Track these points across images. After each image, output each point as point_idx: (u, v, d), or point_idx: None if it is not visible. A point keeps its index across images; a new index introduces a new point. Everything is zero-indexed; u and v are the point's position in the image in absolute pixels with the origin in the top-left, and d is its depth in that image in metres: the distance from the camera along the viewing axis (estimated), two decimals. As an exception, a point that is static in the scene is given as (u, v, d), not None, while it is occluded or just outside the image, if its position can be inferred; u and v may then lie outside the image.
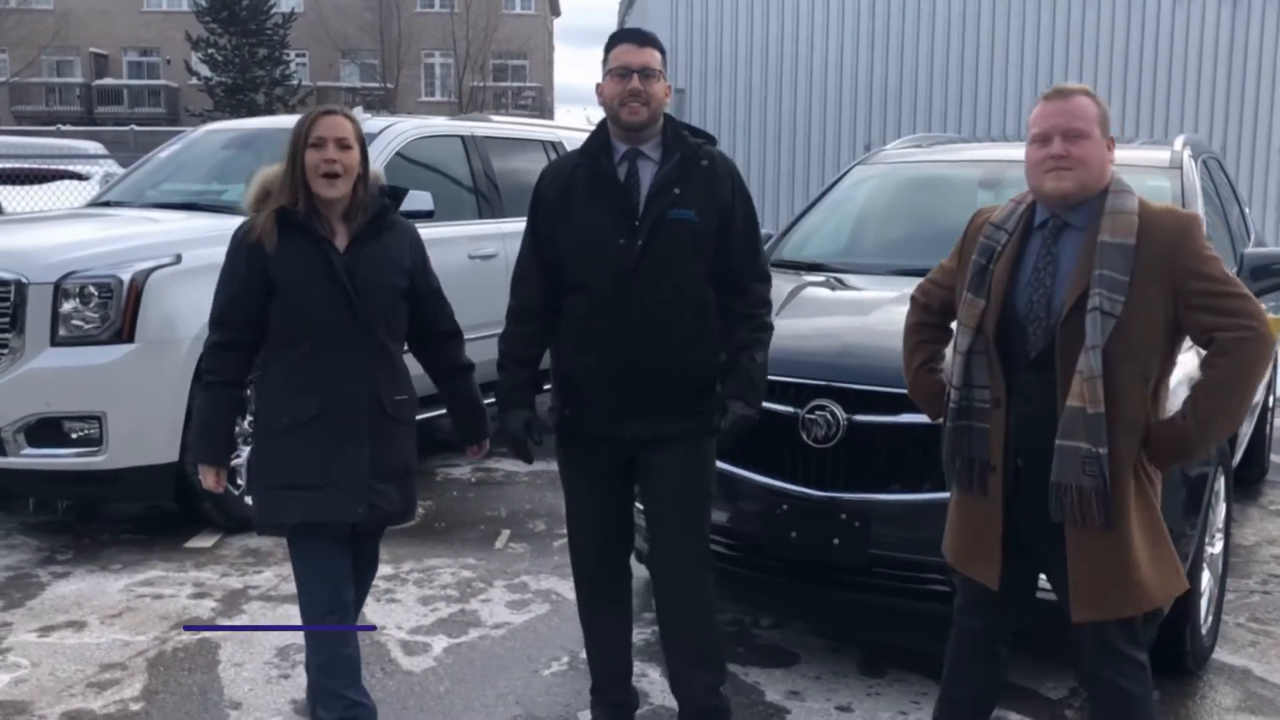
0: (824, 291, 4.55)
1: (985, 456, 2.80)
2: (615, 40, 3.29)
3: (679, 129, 3.30)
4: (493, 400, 3.43)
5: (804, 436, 3.69)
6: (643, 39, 3.27)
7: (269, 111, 35.44)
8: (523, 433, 3.36)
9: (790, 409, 3.70)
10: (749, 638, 4.32)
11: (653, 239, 3.16)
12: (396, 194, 3.39)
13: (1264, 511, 6.16)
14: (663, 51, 3.30)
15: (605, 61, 3.29)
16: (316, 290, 3.11)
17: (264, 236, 3.11)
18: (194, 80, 39.43)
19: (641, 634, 4.21)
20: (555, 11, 48.12)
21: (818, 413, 3.67)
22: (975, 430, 2.82)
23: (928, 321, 3.08)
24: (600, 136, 3.30)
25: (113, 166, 14.04)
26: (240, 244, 3.16)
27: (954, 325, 2.95)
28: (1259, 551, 5.44)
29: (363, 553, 3.40)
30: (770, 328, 3.36)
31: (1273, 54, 14.04)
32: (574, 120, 9.70)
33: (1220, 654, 4.17)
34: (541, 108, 42.02)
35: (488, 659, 4.10)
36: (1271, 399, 6.54)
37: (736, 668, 4.01)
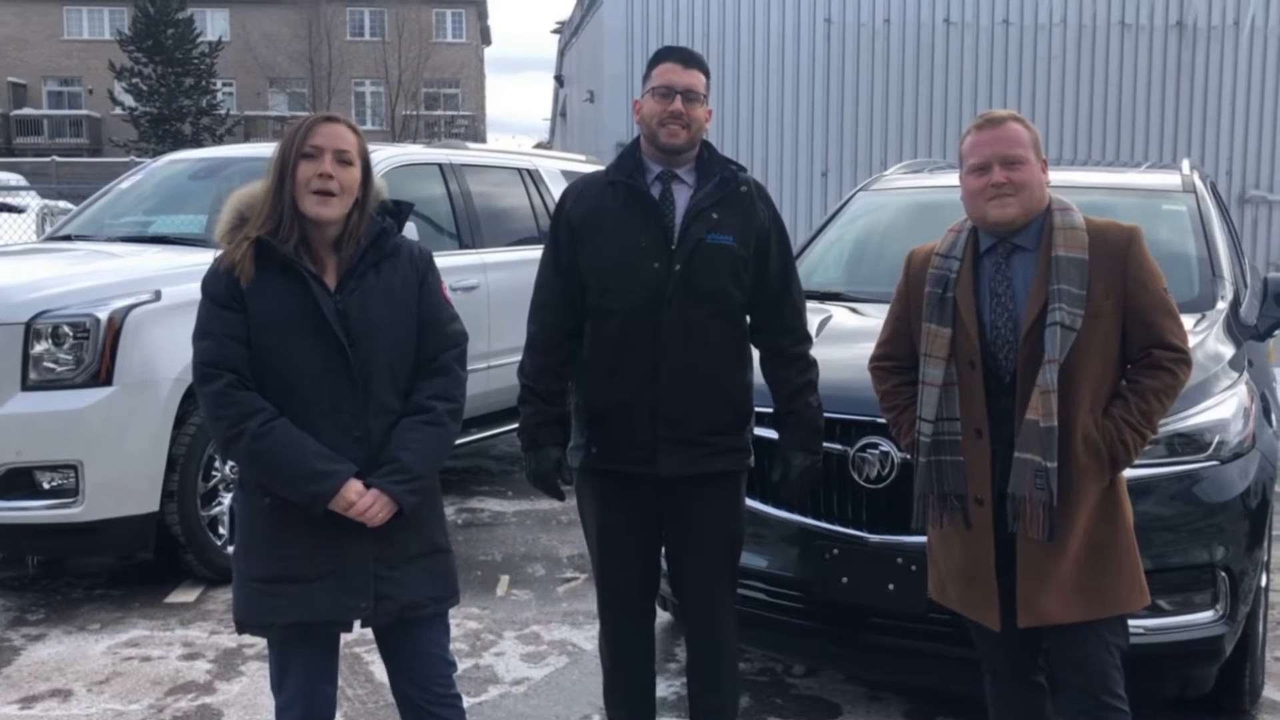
0: (853, 321, 4.38)
1: (962, 491, 2.75)
2: (660, 58, 3.12)
3: (715, 153, 3.16)
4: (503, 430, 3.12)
5: (854, 476, 3.51)
6: (689, 59, 3.11)
7: (196, 142, 34.73)
8: (554, 472, 3.16)
9: (839, 447, 3.51)
10: (784, 687, 4.11)
11: (690, 263, 3.00)
12: (399, 209, 2.78)
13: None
14: (708, 74, 3.13)
15: (646, 78, 3.13)
16: (302, 339, 2.55)
17: (239, 271, 2.54)
18: (118, 110, 38.55)
19: (670, 686, 4.00)
20: (486, 40, 47.92)
21: (869, 451, 3.49)
22: (948, 465, 2.77)
23: (906, 379, 2.94)
24: (633, 156, 3.13)
25: (37, 198, 13.56)
26: (217, 277, 2.58)
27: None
28: (1274, 580, 5.34)
29: (404, 649, 2.76)
30: (816, 365, 3.23)
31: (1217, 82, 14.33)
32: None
33: (1267, 691, 4.04)
34: (475, 136, 41.71)
35: None
36: None
37: (779, 721, 3.82)
